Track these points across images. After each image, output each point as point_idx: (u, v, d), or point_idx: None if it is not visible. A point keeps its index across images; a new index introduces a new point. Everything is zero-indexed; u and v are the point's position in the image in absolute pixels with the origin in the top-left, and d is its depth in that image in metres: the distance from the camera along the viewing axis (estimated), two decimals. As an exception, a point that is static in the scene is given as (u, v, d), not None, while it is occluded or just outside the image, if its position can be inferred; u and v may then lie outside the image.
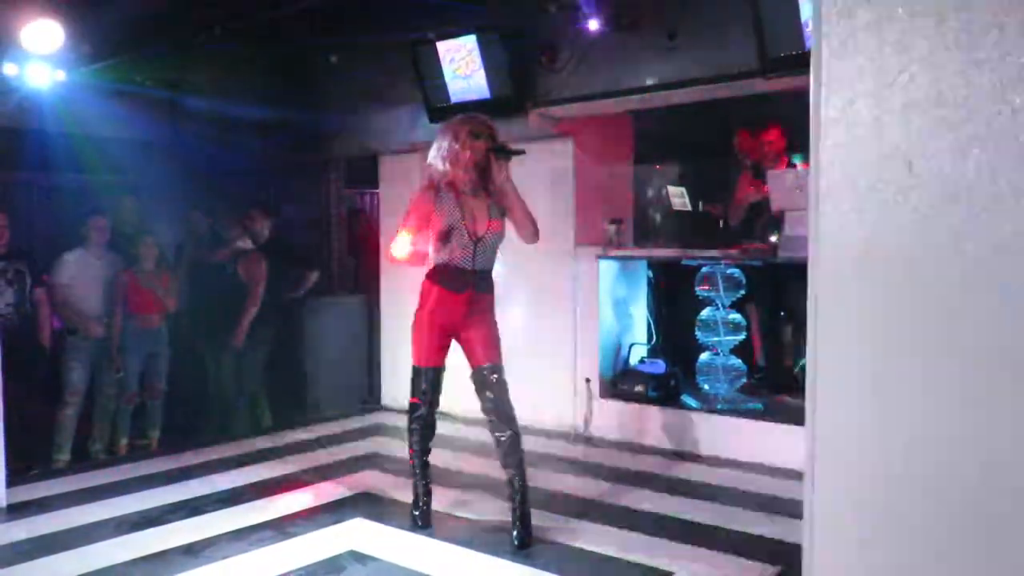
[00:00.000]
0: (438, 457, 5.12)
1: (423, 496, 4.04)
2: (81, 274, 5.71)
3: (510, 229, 3.93)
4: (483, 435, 5.71)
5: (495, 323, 3.94)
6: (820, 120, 1.63)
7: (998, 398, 1.58)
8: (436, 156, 3.83)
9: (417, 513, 4.02)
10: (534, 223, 3.89)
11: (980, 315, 1.56)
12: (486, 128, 3.79)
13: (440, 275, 3.83)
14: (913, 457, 1.67)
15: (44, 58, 5.34)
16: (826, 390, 1.71)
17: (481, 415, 3.95)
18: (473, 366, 3.89)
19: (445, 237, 3.76)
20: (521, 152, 3.80)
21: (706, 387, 5.50)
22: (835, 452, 1.74)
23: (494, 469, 4.91)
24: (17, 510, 4.26)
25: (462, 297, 3.81)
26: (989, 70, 1.46)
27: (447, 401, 4.05)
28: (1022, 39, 1.38)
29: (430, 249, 3.85)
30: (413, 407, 3.98)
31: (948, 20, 1.51)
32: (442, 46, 5.59)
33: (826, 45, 1.63)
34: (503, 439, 3.83)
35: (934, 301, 1.60)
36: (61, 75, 5.50)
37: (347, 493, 4.49)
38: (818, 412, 1.74)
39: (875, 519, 1.73)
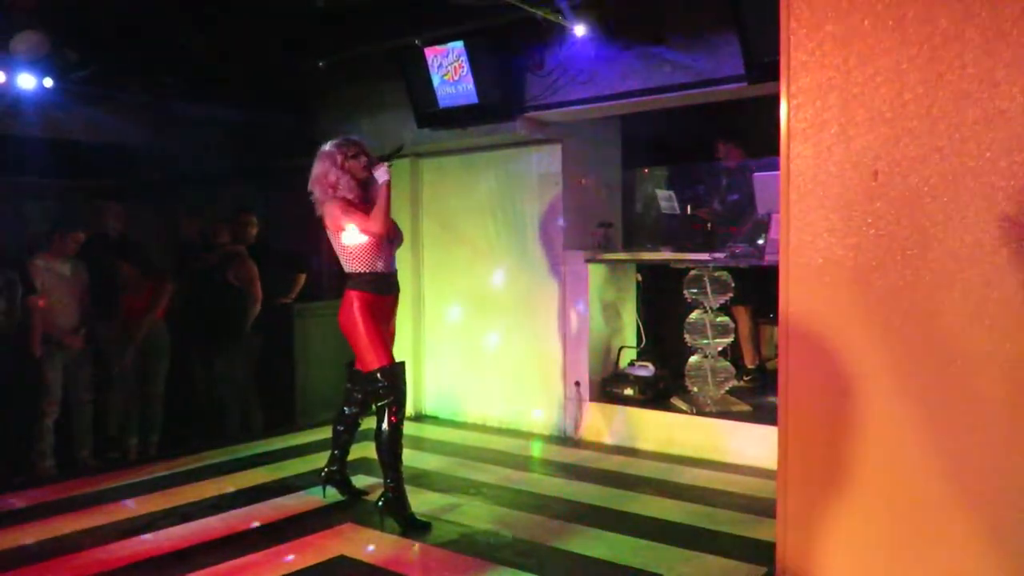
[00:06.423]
0: (431, 462, 5.14)
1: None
2: (52, 281, 5.62)
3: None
4: (479, 440, 5.75)
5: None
6: (788, 131, 1.66)
7: (962, 398, 1.61)
8: (319, 182, 4.13)
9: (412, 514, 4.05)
10: (378, 220, 4.00)
11: (942, 318, 1.60)
12: (358, 147, 4.13)
13: (369, 282, 4.07)
14: (882, 457, 1.70)
15: (31, 65, 5.34)
16: (798, 393, 1.74)
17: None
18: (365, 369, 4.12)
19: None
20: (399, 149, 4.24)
21: (695, 389, 5.52)
22: (806, 452, 1.77)
23: (486, 474, 4.94)
24: (3, 519, 4.25)
25: (389, 299, 4.17)
26: (950, 81, 1.49)
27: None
28: (981, 51, 1.42)
29: (348, 262, 4.11)
30: (401, 406, 4.08)
31: (911, 33, 1.55)
32: (430, 52, 5.60)
33: (794, 57, 1.66)
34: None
35: (898, 305, 1.63)
36: (49, 82, 5.50)
37: (338, 498, 4.50)
38: (790, 414, 1.77)
39: (844, 517, 1.76)
